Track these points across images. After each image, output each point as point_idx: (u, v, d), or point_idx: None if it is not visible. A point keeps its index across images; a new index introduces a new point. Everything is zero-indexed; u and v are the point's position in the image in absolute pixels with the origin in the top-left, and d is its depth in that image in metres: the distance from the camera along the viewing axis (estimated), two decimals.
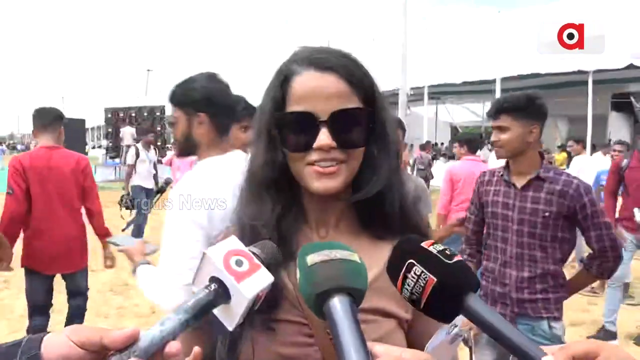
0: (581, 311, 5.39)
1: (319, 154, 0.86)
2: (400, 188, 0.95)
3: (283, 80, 0.89)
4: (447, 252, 0.66)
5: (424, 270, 0.65)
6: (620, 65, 13.41)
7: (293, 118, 0.87)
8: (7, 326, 4.97)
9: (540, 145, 2.61)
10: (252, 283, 0.65)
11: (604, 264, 2.47)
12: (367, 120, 0.88)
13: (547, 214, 2.42)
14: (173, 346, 0.61)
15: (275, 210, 0.92)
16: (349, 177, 0.89)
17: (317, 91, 0.86)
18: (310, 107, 0.86)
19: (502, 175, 2.63)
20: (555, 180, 2.43)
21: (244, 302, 0.64)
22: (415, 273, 0.65)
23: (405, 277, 0.66)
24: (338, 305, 0.62)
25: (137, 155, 8.50)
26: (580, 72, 13.72)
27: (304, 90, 0.87)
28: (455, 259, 0.66)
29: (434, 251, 0.66)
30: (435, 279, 0.64)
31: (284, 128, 0.89)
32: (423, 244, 0.68)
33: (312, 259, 0.66)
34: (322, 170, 0.87)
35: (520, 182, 2.53)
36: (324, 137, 0.85)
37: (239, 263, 0.66)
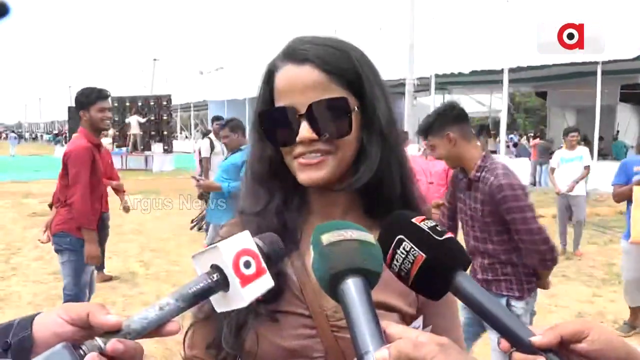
0: (586, 302, 5.39)
1: (302, 147, 0.86)
2: (402, 172, 0.93)
3: (268, 76, 0.91)
4: (437, 228, 0.65)
5: (413, 247, 0.64)
6: (630, 56, 13.22)
7: (276, 114, 0.88)
8: (15, 314, 5.01)
9: (473, 142, 2.73)
10: (254, 288, 0.65)
11: (530, 255, 2.54)
12: (347, 109, 0.86)
13: (480, 213, 2.62)
14: (174, 326, 0.62)
15: (273, 202, 0.93)
16: (338, 167, 0.88)
17: (294, 84, 0.86)
18: (290, 101, 0.86)
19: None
20: (481, 179, 2.60)
21: (240, 304, 0.65)
22: (404, 249, 0.64)
23: (394, 253, 0.65)
24: (352, 287, 0.60)
25: (212, 147, 7.53)
26: (588, 62, 13.54)
27: (283, 85, 0.87)
28: (446, 235, 0.64)
29: (425, 227, 0.65)
30: (425, 256, 0.63)
31: (269, 124, 0.90)
32: (413, 220, 0.67)
33: (327, 238, 0.64)
34: (305, 162, 0.87)
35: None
36: (303, 130, 0.84)
37: (247, 264, 0.66)
